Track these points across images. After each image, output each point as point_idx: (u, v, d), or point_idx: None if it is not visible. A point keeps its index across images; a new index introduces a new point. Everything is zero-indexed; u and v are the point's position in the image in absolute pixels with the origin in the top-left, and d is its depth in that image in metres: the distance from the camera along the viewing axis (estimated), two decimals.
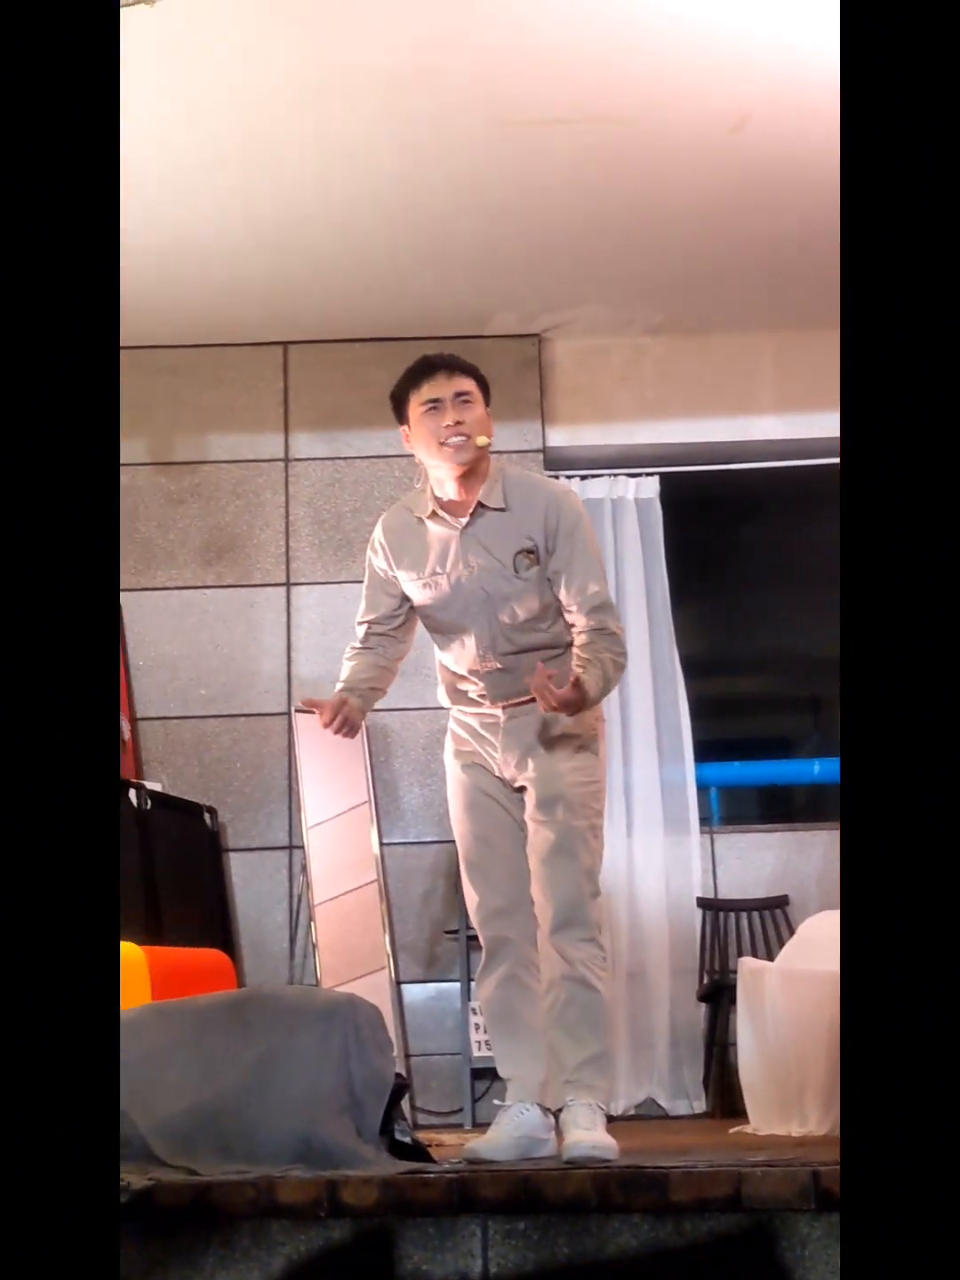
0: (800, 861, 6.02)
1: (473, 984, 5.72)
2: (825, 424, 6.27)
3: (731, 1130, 4.32)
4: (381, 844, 5.86)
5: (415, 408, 3.35)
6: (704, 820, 6.10)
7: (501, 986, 3.35)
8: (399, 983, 5.77)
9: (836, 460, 6.51)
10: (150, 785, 5.43)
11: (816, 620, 7.88)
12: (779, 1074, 4.30)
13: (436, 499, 3.38)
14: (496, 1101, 3.35)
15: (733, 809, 7.52)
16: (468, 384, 3.34)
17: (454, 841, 5.76)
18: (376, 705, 5.94)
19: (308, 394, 6.30)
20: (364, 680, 3.53)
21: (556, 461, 6.28)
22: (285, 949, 5.77)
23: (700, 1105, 5.62)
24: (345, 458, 6.28)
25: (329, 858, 5.73)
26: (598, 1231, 2.44)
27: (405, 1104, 3.32)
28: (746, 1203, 2.41)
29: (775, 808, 8.85)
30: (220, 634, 6.11)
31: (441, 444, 3.28)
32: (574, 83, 4.62)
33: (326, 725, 3.40)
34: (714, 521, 6.72)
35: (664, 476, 6.26)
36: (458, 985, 5.71)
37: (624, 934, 5.87)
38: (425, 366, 3.37)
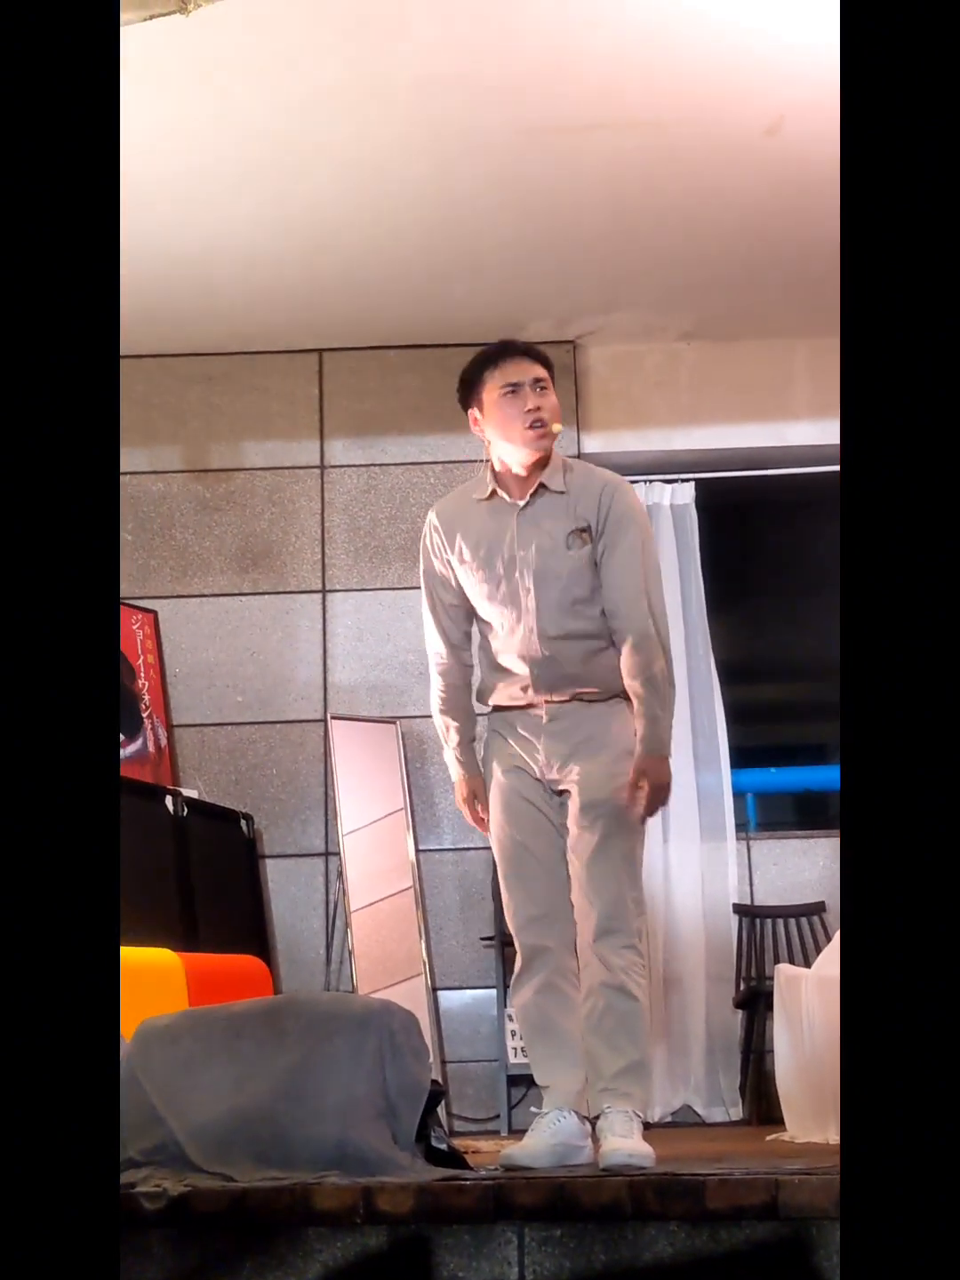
0: (836, 868, 5.98)
1: (508, 991, 5.73)
2: None
3: (768, 1137, 4.30)
4: (417, 850, 5.87)
5: (491, 391, 3.37)
6: (740, 826, 6.08)
7: (539, 994, 3.33)
8: (435, 989, 5.77)
9: None
10: (186, 792, 5.46)
11: None
12: (816, 1081, 4.28)
13: (497, 480, 3.43)
14: (533, 1109, 3.36)
15: (769, 815, 7.50)
16: (543, 372, 3.40)
17: (490, 848, 5.80)
18: (415, 711, 6.02)
19: (342, 401, 6.32)
20: (469, 738, 3.54)
21: None
22: (321, 955, 5.78)
23: (737, 1112, 5.60)
24: (380, 464, 6.29)
25: (365, 864, 5.73)
26: (634, 1239, 2.43)
27: (441, 1111, 3.32)
28: (783, 1211, 2.40)
29: (812, 814, 8.82)
30: (256, 641, 6.13)
31: (525, 428, 3.32)
32: (607, 89, 4.62)
33: (474, 822, 3.52)
34: (750, 527, 6.70)
35: (699, 482, 6.25)
36: (493, 992, 5.71)
37: (660, 940, 5.86)
38: (504, 350, 3.41)
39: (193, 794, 5.54)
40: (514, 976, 3.40)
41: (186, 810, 5.21)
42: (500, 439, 3.38)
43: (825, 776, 7.79)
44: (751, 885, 5.91)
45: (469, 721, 3.52)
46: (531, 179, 5.13)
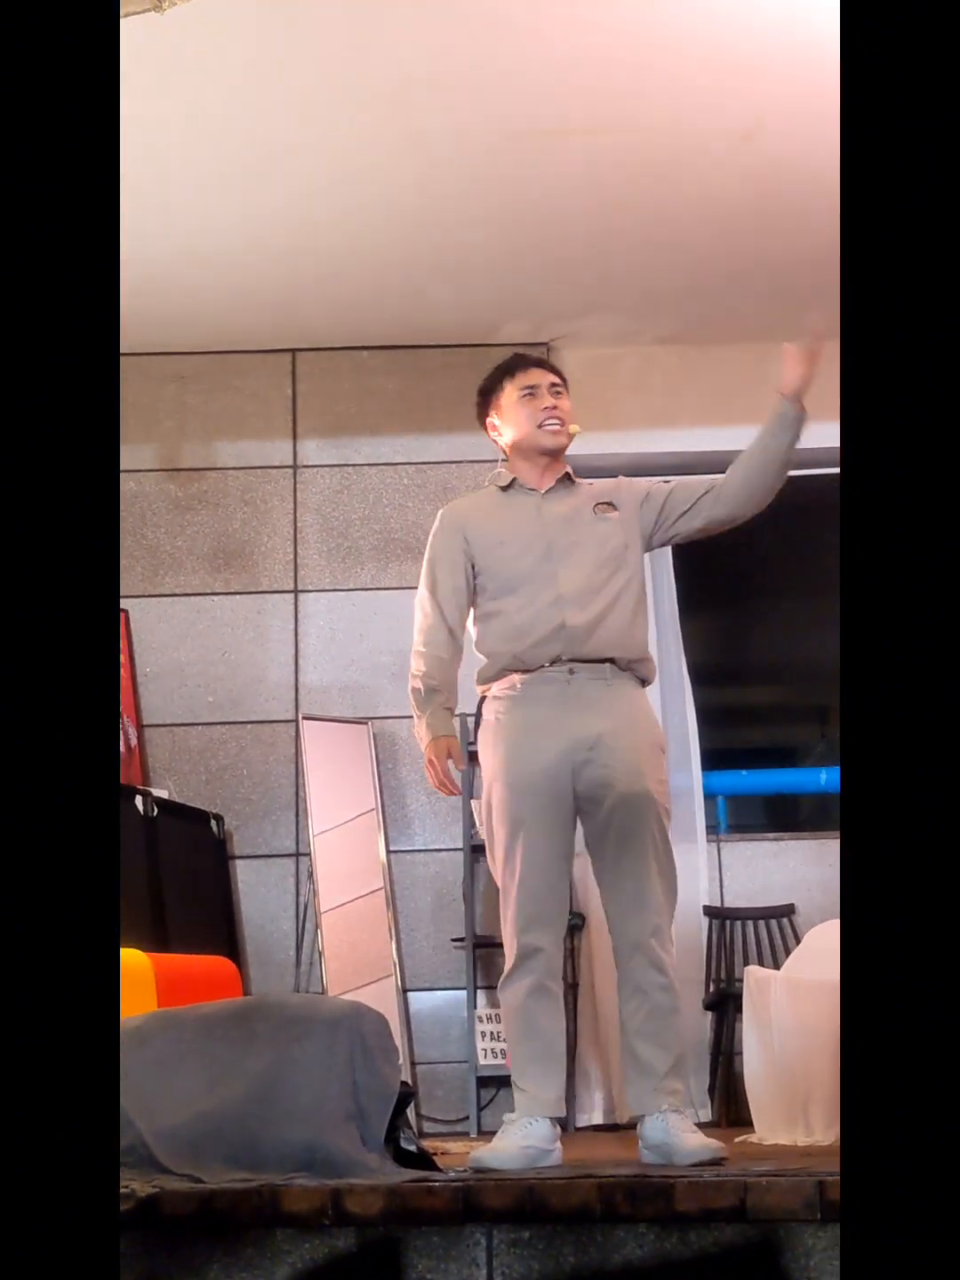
0: (807, 870, 6.01)
1: (498, 986, 5.72)
2: (834, 434, 6.26)
3: (737, 1140, 4.31)
4: (388, 851, 5.87)
5: (510, 394, 3.55)
6: (711, 828, 6.09)
7: (530, 997, 3.30)
8: (405, 990, 5.77)
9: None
10: (157, 792, 5.44)
11: (824, 630, 7.88)
12: (785, 1083, 4.30)
13: (516, 474, 3.57)
14: (507, 1114, 3.31)
15: (740, 817, 7.52)
16: (559, 380, 3.59)
17: (461, 849, 5.82)
18: (387, 712, 6.01)
19: (316, 401, 6.31)
20: (448, 705, 3.52)
21: None
22: (291, 956, 5.77)
23: (706, 1114, 5.61)
24: (354, 465, 6.29)
25: (335, 865, 5.72)
26: (603, 1241, 2.44)
27: (411, 1112, 3.32)
28: (752, 1213, 2.40)
29: (782, 816, 8.86)
30: (227, 641, 6.12)
31: (540, 426, 3.49)
32: (584, 93, 4.63)
33: (440, 784, 3.44)
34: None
35: None
36: (464, 993, 5.71)
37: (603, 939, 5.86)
38: (519, 360, 3.62)
39: (163, 794, 5.52)
40: (505, 973, 3.35)
41: (157, 810, 5.19)
42: (516, 434, 3.54)
43: (796, 779, 7.82)
44: (721, 887, 5.92)
45: (449, 691, 3.49)
46: (508, 182, 5.14)
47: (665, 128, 4.82)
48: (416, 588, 6.08)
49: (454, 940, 5.81)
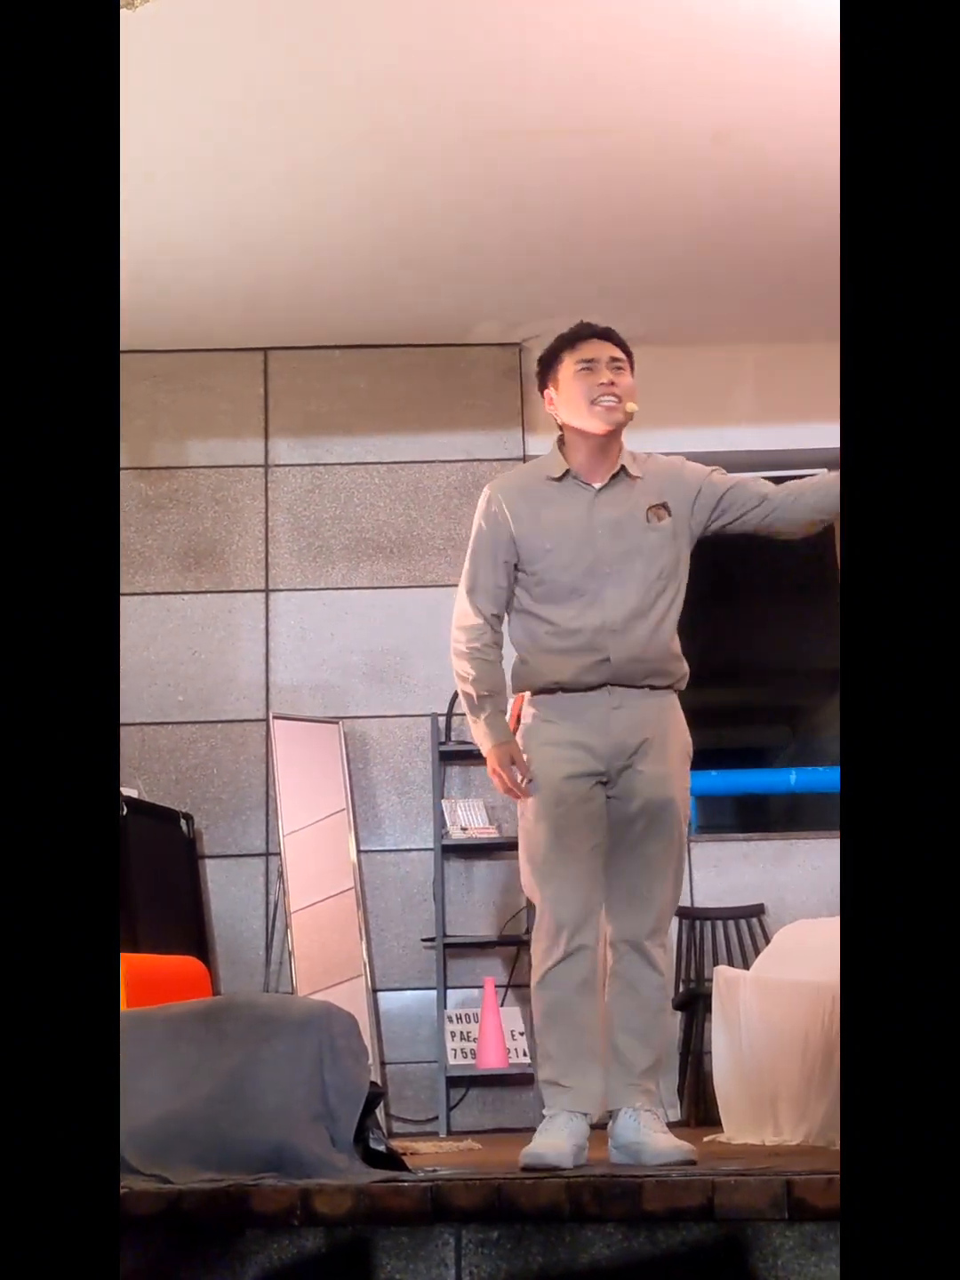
0: (776, 871, 6.03)
1: (449, 993, 5.73)
2: (804, 436, 6.30)
3: (706, 1139, 4.32)
4: (359, 851, 5.86)
5: (568, 367, 3.39)
6: None
7: (577, 993, 3.26)
8: (375, 990, 5.76)
9: (814, 471, 6.53)
10: (126, 791, 5.42)
11: (794, 632, 7.92)
12: (753, 1083, 4.31)
13: (570, 461, 3.42)
14: (546, 1110, 3.24)
15: (710, 818, 7.54)
16: (621, 353, 3.43)
17: (431, 849, 5.81)
18: (357, 712, 6.00)
19: (288, 400, 6.30)
20: (501, 709, 3.43)
21: None
22: (261, 956, 5.76)
23: (675, 1114, 5.62)
24: (325, 464, 6.28)
25: (306, 865, 5.72)
26: (571, 1241, 2.44)
27: (380, 1112, 3.31)
28: (719, 1213, 2.41)
29: (752, 817, 8.89)
30: (198, 640, 6.10)
31: (593, 402, 3.34)
32: (557, 93, 4.63)
33: (517, 794, 3.36)
34: None
35: None
36: (434, 993, 5.71)
37: (601, 941, 5.86)
38: (583, 330, 3.45)
39: (133, 793, 5.51)
40: (546, 970, 3.27)
41: (126, 810, 5.18)
42: (570, 414, 3.39)
43: (766, 780, 7.85)
44: (691, 887, 5.94)
45: (501, 692, 3.42)
46: (480, 182, 5.14)
47: (636, 128, 4.83)
48: (389, 588, 6.19)
49: (424, 940, 5.80)
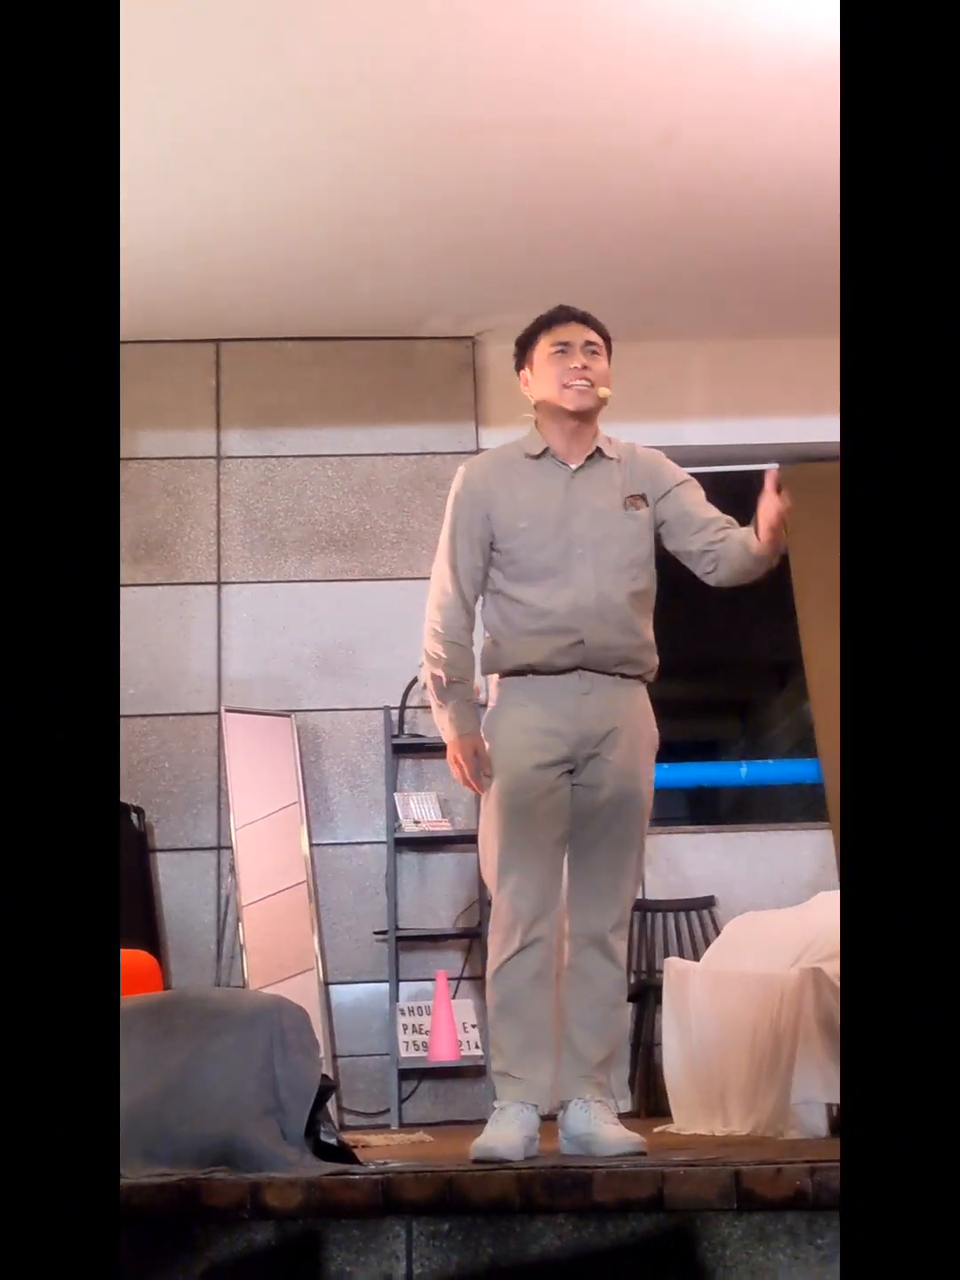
0: (727, 863, 6.07)
1: (401, 985, 5.74)
2: (755, 431, 6.34)
3: (656, 1130, 4.34)
4: (311, 845, 5.86)
5: (543, 349, 3.38)
6: None
7: (532, 985, 3.24)
8: (327, 984, 5.76)
9: (766, 467, 6.56)
10: None
11: (745, 626, 7.96)
12: (702, 1074, 4.34)
13: (548, 441, 3.40)
14: (497, 1102, 3.23)
15: (661, 810, 7.56)
16: (597, 338, 3.41)
17: (384, 842, 5.81)
18: (310, 705, 5.99)
19: (240, 392, 6.28)
20: (469, 697, 3.38)
21: None
22: (212, 950, 5.74)
23: (626, 1105, 5.64)
24: (278, 456, 6.26)
25: (258, 858, 5.71)
26: (521, 1232, 2.45)
27: (331, 1105, 3.30)
28: (669, 1203, 2.42)
29: (703, 809, 8.93)
30: (149, 632, 6.07)
31: (565, 386, 3.33)
32: (509, 90, 4.64)
33: (468, 782, 3.32)
34: None
35: None
36: (386, 986, 5.71)
37: (555, 934, 5.88)
38: (560, 313, 3.44)
39: None
40: (502, 961, 3.24)
41: None
42: (544, 394, 3.38)
43: (717, 772, 7.89)
44: (643, 879, 5.95)
45: (470, 680, 3.38)
46: (433, 177, 5.14)
47: (588, 127, 4.85)
48: (342, 580, 6.18)
49: (376, 933, 5.80)
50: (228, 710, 5.85)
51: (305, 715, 6.02)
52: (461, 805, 5.95)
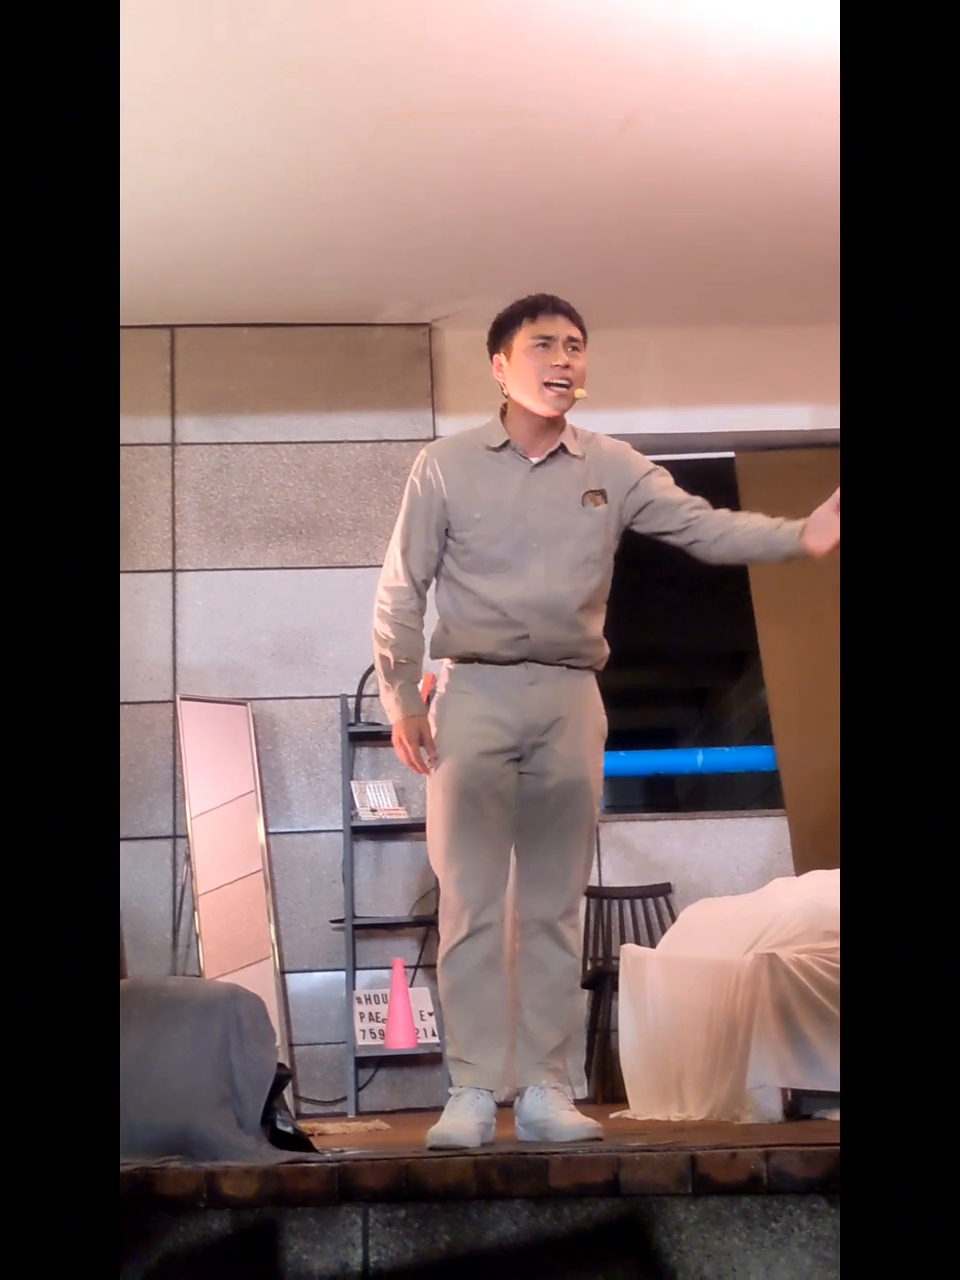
0: (683, 850, 6.09)
1: (357, 973, 5.73)
2: (710, 419, 6.36)
3: (612, 1116, 4.36)
4: (267, 833, 5.84)
5: (523, 339, 3.32)
6: None
7: (481, 972, 3.25)
8: (283, 972, 5.75)
9: (721, 454, 6.55)
10: None
11: (701, 614, 7.99)
12: (658, 1060, 4.36)
13: (511, 433, 3.37)
14: (451, 1089, 3.26)
15: (617, 798, 7.60)
16: (579, 333, 3.36)
17: (340, 830, 5.81)
18: (266, 693, 5.98)
19: (195, 378, 6.24)
20: (414, 680, 3.37)
21: None
22: (168, 939, 5.72)
23: (582, 1091, 5.67)
24: (233, 443, 6.24)
25: (214, 847, 5.69)
26: (478, 1218, 2.45)
27: (288, 1093, 3.30)
28: (624, 1188, 2.43)
29: (659, 797, 8.97)
30: None
31: (546, 384, 3.28)
32: (465, 76, 4.63)
33: (413, 763, 3.32)
34: None
35: None
36: (343, 975, 5.71)
37: (509, 921, 5.89)
38: (544, 302, 3.36)
39: None
40: (450, 948, 3.26)
41: None
42: (519, 389, 3.33)
43: (673, 760, 7.92)
44: (599, 866, 5.98)
45: (418, 662, 3.38)
46: (389, 163, 5.12)
47: (544, 114, 4.84)
48: (298, 568, 6.15)
49: (332, 922, 5.80)
50: (183, 698, 5.82)
51: (261, 703, 6.00)
52: (418, 793, 5.94)
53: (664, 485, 3.41)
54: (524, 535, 3.29)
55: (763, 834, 6.15)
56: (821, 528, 3.14)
